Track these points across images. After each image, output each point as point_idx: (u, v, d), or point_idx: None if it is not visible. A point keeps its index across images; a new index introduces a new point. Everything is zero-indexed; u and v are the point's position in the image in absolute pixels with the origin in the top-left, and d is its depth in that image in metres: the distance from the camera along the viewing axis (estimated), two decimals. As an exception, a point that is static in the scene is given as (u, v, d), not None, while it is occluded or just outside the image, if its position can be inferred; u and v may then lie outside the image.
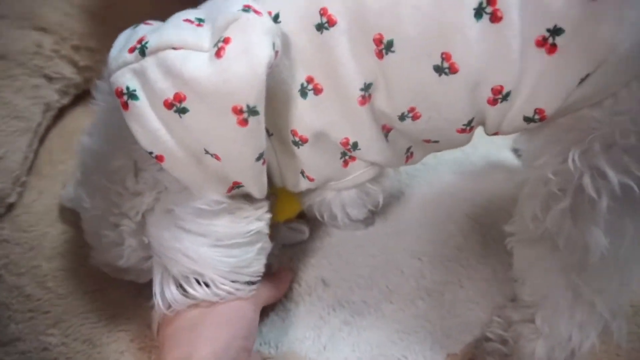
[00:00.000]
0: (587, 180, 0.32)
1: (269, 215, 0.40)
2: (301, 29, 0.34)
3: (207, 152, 0.34)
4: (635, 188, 0.31)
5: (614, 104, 0.32)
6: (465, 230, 0.52)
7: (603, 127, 0.31)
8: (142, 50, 0.32)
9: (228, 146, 0.34)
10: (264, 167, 0.36)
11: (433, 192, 0.57)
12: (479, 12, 0.30)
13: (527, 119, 0.34)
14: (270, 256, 0.41)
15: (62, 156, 0.54)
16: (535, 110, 0.33)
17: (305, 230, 0.51)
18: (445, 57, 0.32)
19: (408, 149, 0.41)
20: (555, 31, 0.30)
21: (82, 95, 0.58)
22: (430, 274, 0.49)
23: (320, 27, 0.33)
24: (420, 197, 0.56)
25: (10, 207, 0.50)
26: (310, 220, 0.54)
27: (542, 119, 0.33)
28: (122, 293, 0.45)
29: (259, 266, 0.39)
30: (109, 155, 0.37)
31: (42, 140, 0.55)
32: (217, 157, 0.34)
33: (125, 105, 0.32)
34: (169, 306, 0.37)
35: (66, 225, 0.49)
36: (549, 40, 0.30)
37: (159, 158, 0.34)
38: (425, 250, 0.51)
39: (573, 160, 0.32)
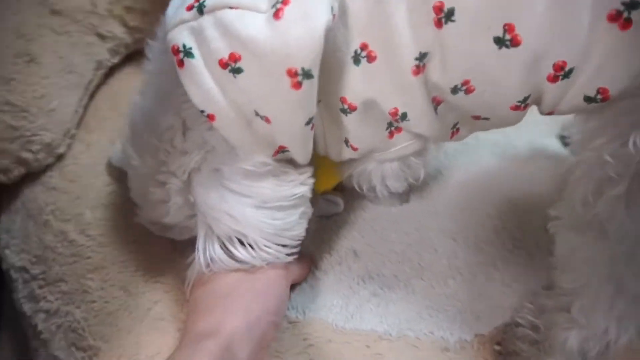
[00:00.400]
0: None
1: (312, 180, 0.40)
2: None
3: (257, 114, 0.34)
4: None
5: None
6: (503, 214, 0.51)
7: None
8: (200, 8, 0.32)
9: (279, 108, 0.34)
10: (312, 133, 0.36)
11: (473, 174, 0.56)
12: None
13: (588, 99, 0.32)
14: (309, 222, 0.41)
15: (109, 113, 0.56)
16: (598, 89, 0.31)
17: (341, 202, 0.51)
18: (508, 28, 0.30)
19: (455, 125, 0.40)
20: (632, 5, 0.28)
21: (130, 56, 0.60)
22: (464, 254, 0.48)
23: None
24: (459, 178, 0.55)
25: (60, 157, 0.52)
26: (346, 194, 0.54)
27: (604, 99, 0.32)
28: (159, 247, 0.46)
29: (300, 230, 0.39)
30: (158, 114, 0.38)
31: (91, 97, 0.57)
32: (267, 120, 0.34)
33: (181, 63, 0.33)
34: (208, 265, 0.38)
35: (111, 178, 0.51)
36: (623, 15, 0.28)
37: (210, 117, 0.34)
38: (461, 230, 0.50)
39: (634, 143, 0.31)
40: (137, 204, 0.42)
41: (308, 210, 0.40)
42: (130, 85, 0.58)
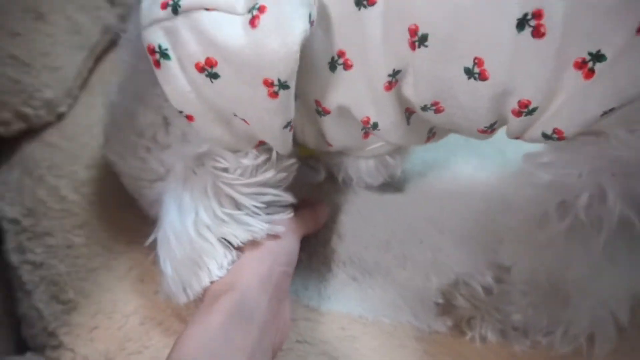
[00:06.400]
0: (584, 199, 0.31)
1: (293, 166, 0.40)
2: (339, 0, 0.32)
3: (236, 116, 0.34)
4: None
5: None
6: (493, 211, 0.50)
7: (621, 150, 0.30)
8: (174, 8, 0.31)
9: (257, 114, 0.34)
10: (291, 133, 0.36)
11: (470, 168, 0.55)
12: (521, 24, 0.28)
13: (545, 136, 0.32)
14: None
15: (113, 78, 0.56)
16: (553, 129, 0.32)
17: (321, 170, 0.51)
18: (478, 62, 0.30)
19: (430, 130, 0.41)
20: (598, 57, 0.28)
21: (140, 24, 0.60)
22: (449, 249, 0.48)
23: (359, 3, 0.32)
24: (456, 171, 0.55)
25: (61, 116, 0.53)
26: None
27: (559, 139, 0.32)
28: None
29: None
30: (138, 112, 0.38)
31: (98, 61, 0.57)
32: (245, 122, 0.34)
33: (157, 64, 0.32)
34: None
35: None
36: (588, 64, 0.28)
37: (189, 118, 0.34)
38: (450, 224, 0.50)
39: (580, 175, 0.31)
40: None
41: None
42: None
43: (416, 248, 0.48)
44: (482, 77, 0.31)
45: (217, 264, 0.36)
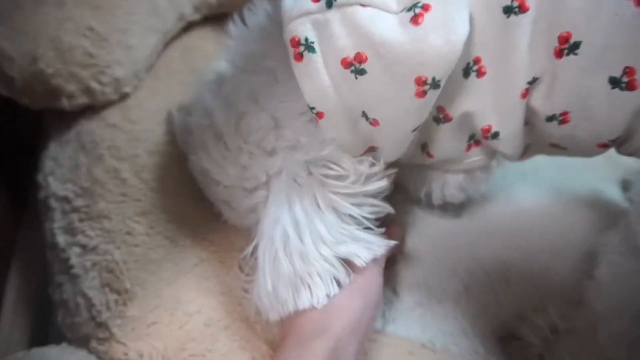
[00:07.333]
0: None
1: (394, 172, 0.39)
2: (486, 7, 0.32)
3: (364, 116, 0.33)
4: None
5: None
6: (561, 249, 0.49)
7: None
8: (329, 2, 0.31)
9: (394, 114, 0.33)
10: (412, 139, 0.35)
11: (544, 203, 0.55)
12: None
13: None
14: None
15: (180, 66, 0.55)
16: None
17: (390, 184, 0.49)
18: (629, 71, 0.30)
19: (527, 146, 0.40)
20: None
21: (210, 18, 0.59)
22: (514, 282, 0.46)
23: (508, 10, 0.31)
24: (516, 203, 0.54)
25: (124, 96, 0.50)
26: (400, 199, 0.52)
27: None
28: (211, 204, 0.44)
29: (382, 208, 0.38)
30: (249, 114, 0.36)
31: (165, 47, 0.56)
32: (374, 123, 0.33)
33: (299, 57, 0.31)
34: None
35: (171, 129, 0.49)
36: None
37: (319, 115, 0.33)
38: (514, 257, 0.48)
39: None
40: (222, 210, 0.41)
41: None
42: (205, 46, 0.57)
43: (482, 278, 0.46)
44: (630, 86, 0.30)
45: (328, 290, 0.33)
